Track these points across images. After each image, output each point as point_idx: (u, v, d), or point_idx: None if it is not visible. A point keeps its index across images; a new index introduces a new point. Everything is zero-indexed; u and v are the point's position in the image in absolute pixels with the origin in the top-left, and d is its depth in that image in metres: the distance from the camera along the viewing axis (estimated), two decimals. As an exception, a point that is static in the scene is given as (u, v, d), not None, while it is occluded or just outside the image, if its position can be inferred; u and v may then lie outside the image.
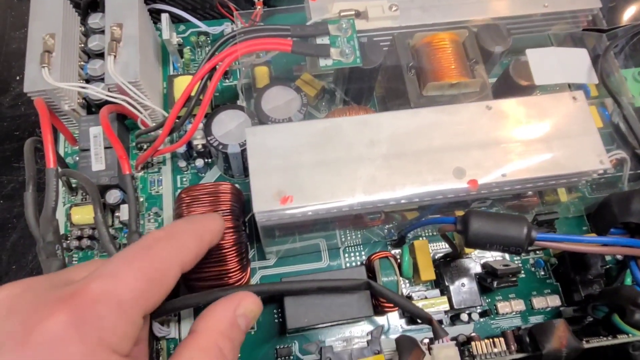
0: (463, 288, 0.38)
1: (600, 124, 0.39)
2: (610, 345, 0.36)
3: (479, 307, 0.39)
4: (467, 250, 0.39)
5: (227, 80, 0.49)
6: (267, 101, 0.41)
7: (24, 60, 0.39)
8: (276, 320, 0.40)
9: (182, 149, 0.42)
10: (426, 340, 0.38)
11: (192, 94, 0.38)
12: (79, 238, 0.41)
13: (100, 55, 0.43)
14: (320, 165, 0.32)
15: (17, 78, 0.51)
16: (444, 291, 0.38)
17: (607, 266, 0.40)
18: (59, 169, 0.37)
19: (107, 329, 0.21)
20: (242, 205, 0.38)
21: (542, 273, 0.42)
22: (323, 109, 0.46)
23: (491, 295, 0.41)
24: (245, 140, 0.33)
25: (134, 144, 0.45)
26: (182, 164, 0.44)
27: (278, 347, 0.39)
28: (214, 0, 0.48)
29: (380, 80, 0.43)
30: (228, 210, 0.35)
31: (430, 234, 0.43)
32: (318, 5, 0.38)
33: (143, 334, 0.27)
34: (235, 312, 0.26)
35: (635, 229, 0.35)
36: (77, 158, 0.42)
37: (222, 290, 0.31)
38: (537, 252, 0.43)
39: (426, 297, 0.38)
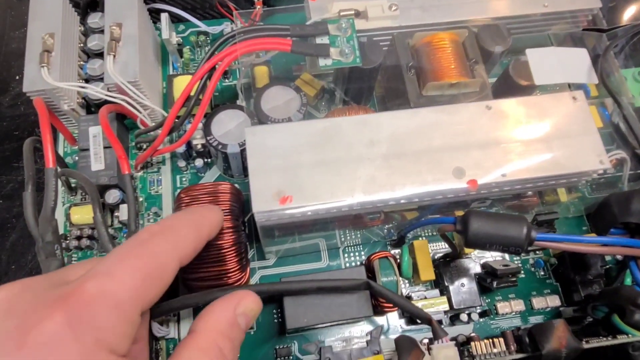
0: (463, 288, 0.38)
1: (600, 124, 0.39)
2: (610, 345, 0.36)
3: (478, 307, 0.39)
4: (466, 250, 0.39)
5: (226, 80, 0.49)
6: (267, 101, 0.41)
7: (24, 60, 0.39)
8: (275, 321, 0.40)
9: (181, 149, 0.42)
10: (426, 341, 0.38)
11: (192, 93, 0.38)
12: (78, 238, 0.41)
13: (100, 54, 0.43)
14: (319, 165, 0.32)
15: (17, 78, 0.51)
16: (444, 291, 0.38)
17: (607, 266, 0.40)
18: (58, 169, 0.37)
19: (104, 329, 0.21)
20: (241, 205, 0.38)
21: (542, 273, 0.42)
22: (323, 109, 0.46)
23: (491, 296, 0.41)
24: (244, 140, 0.33)
25: (133, 143, 0.45)
26: (182, 163, 0.44)
27: (277, 347, 0.39)
28: (214, 0, 0.48)
29: (380, 80, 0.43)
30: (227, 210, 0.35)
31: (430, 234, 0.43)
32: (318, 4, 0.38)
33: (142, 332, 0.26)
34: (235, 311, 0.26)
35: (635, 229, 0.35)
36: (77, 158, 0.42)
37: (221, 290, 0.31)
38: (537, 252, 0.43)
39: (426, 297, 0.38)
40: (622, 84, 0.43)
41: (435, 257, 0.41)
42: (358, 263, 0.42)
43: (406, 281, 0.41)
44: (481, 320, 0.40)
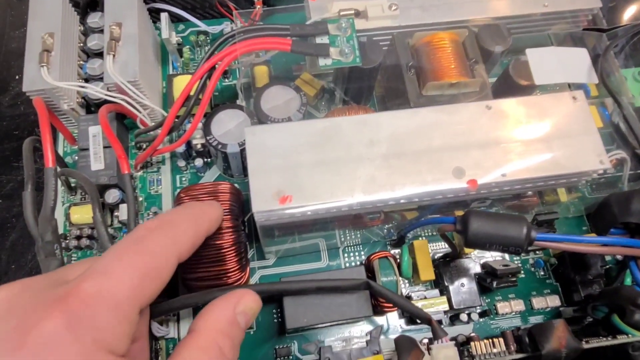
0: (462, 288, 0.38)
1: (600, 124, 0.39)
2: (610, 345, 0.35)
3: (478, 307, 0.39)
4: (466, 250, 0.38)
5: (226, 80, 0.49)
6: (267, 101, 0.41)
7: (23, 60, 0.39)
8: (275, 320, 0.40)
9: (181, 149, 0.42)
10: (425, 341, 0.38)
11: (192, 93, 0.38)
12: (78, 237, 0.41)
13: (100, 54, 0.43)
14: (319, 165, 0.32)
15: (17, 77, 0.51)
16: (444, 291, 0.38)
17: (607, 266, 0.40)
18: (58, 169, 0.37)
19: (102, 329, 0.21)
20: (241, 204, 0.38)
21: (542, 273, 0.42)
22: (322, 109, 0.46)
23: (491, 296, 0.41)
24: (244, 140, 0.33)
25: (133, 143, 0.45)
26: (182, 163, 0.44)
27: (277, 347, 0.38)
28: (214, 0, 0.48)
29: (379, 80, 0.43)
30: (227, 210, 0.35)
31: (430, 233, 0.43)
32: (317, 4, 0.38)
33: (142, 330, 0.26)
34: (235, 309, 0.26)
35: (635, 229, 0.35)
36: (76, 157, 0.42)
37: (221, 290, 0.31)
38: (537, 252, 0.43)
39: (425, 297, 0.38)
40: (622, 83, 0.43)
41: (435, 257, 0.41)
42: (358, 263, 0.42)
43: (406, 281, 0.41)
44: (481, 320, 0.40)
